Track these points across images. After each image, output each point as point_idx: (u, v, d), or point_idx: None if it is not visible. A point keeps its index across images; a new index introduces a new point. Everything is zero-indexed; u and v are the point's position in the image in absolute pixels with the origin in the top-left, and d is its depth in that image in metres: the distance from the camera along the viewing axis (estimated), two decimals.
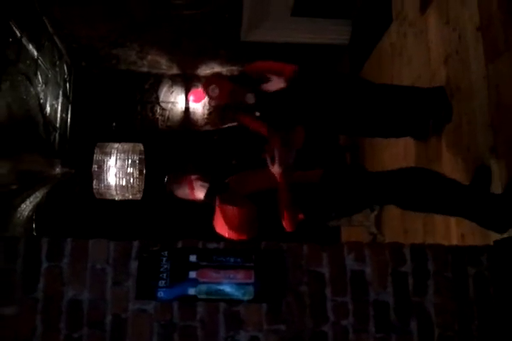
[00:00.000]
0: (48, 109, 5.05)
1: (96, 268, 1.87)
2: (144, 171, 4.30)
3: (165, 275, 1.87)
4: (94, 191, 4.07)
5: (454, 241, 2.91)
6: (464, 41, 3.06)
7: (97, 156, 4.03)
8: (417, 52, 3.71)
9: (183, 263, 1.89)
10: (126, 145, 4.21)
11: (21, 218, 3.83)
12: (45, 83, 5.00)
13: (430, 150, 3.42)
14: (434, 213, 2.67)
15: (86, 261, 1.87)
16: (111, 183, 4.08)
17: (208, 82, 3.42)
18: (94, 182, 4.02)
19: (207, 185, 2.60)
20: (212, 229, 2.47)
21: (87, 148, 4.47)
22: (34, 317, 1.81)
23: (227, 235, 2.41)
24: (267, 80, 3.26)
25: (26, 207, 3.90)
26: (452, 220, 2.99)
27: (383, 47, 4.40)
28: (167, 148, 6.07)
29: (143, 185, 4.30)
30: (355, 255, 1.96)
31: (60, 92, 5.56)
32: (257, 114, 3.28)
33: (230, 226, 2.37)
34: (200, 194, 2.64)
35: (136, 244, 1.92)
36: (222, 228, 2.44)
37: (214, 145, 5.25)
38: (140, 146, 4.28)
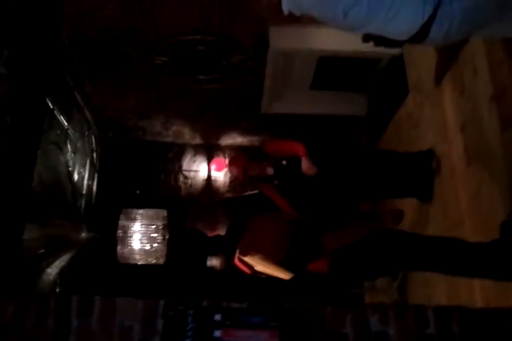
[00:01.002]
0: (76, 176, 5.24)
1: (124, 325, 1.90)
2: (167, 236, 4.38)
3: (190, 333, 1.89)
4: (118, 255, 4.14)
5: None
6: (478, 110, 3.18)
7: (122, 222, 4.13)
8: (434, 122, 3.84)
9: (208, 322, 1.91)
10: (151, 211, 4.32)
11: (47, 282, 3.88)
12: (74, 152, 5.22)
13: (451, 216, 3.46)
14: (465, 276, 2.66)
15: (114, 318, 1.91)
16: (135, 248, 4.15)
17: (228, 164, 4.12)
18: (119, 246, 4.09)
19: (228, 221, 2.71)
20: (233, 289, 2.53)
21: (112, 214, 4.59)
22: None
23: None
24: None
25: (52, 271, 3.96)
26: (477, 287, 2.98)
27: (400, 117, 4.56)
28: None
29: (166, 250, 4.36)
30: (379, 316, 1.97)
31: (88, 161, 5.77)
32: (276, 182, 3.77)
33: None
34: (222, 228, 2.74)
35: (162, 302, 1.95)
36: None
37: (235, 210, 5.38)
38: (164, 212, 4.39)
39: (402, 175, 3.83)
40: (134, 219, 4.19)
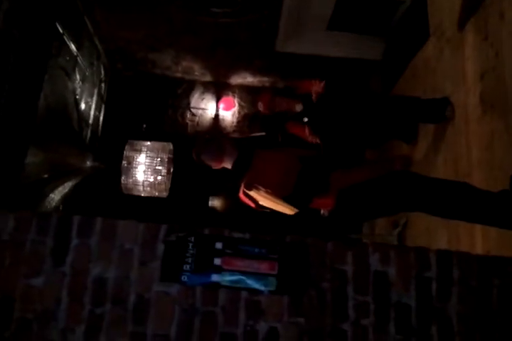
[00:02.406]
0: (83, 105, 5.17)
1: (124, 248, 1.90)
2: (172, 170, 4.36)
3: (190, 260, 1.89)
4: (122, 186, 4.13)
5: None
6: (500, 58, 3.06)
7: (127, 152, 4.10)
8: (453, 69, 3.72)
9: (209, 249, 1.91)
10: (157, 144, 4.28)
11: (49, 207, 3.89)
12: (82, 80, 5.12)
13: (461, 165, 3.41)
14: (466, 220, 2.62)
15: (114, 240, 1.90)
16: (139, 179, 4.15)
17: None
18: (123, 177, 4.08)
19: (235, 153, 2.69)
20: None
21: (117, 145, 4.55)
22: (60, 290, 1.84)
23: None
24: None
25: (54, 197, 3.97)
26: (478, 236, 2.97)
27: (417, 63, 4.42)
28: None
29: (169, 184, 4.36)
30: (380, 256, 1.96)
31: (95, 91, 5.67)
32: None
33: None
34: (228, 161, 2.71)
35: (164, 227, 1.94)
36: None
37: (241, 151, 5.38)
38: (170, 145, 4.35)
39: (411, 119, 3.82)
40: (140, 151, 4.16)
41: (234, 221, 5.81)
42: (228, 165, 2.80)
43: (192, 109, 6.66)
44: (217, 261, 1.89)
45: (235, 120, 6.70)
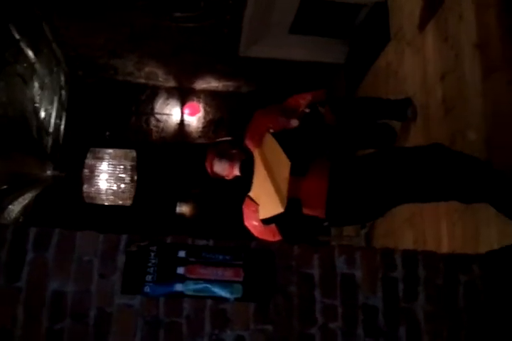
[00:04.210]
0: (43, 113, 5.04)
1: (82, 260, 1.83)
2: (136, 178, 4.28)
3: (152, 270, 1.84)
4: (85, 195, 4.03)
5: None
6: (461, 58, 3.10)
7: (88, 161, 4.00)
8: (414, 71, 3.75)
9: (172, 258, 1.86)
10: (119, 152, 4.19)
11: (8, 219, 3.77)
12: (41, 88, 5.00)
13: None
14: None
15: (73, 253, 1.84)
16: (101, 188, 4.05)
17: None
18: (85, 186, 3.98)
19: (242, 155, 2.69)
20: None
21: (79, 153, 4.45)
22: (16, 307, 1.77)
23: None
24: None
25: (14, 209, 3.85)
26: (444, 235, 2.99)
27: (380, 66, 4.45)
28: (160, 158, 6.07)
29: (134, 192, 4.27)
30: (346, 258, 1.94)
31: (56, 98, 5.55)
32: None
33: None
34: (236, 169, 2.75)
35: (124, 237, 1.88)
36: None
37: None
38: (133, 153, 4.26)
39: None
40: (102, 159, 4.06)
41: (202, 227, 5.75)
42: (238, 171, 2.80)
43: (156, 115, 6.58)
44: (180, 270, 1.84)
45: (200, 125, 6.64)
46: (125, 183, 4.12)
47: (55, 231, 1.86)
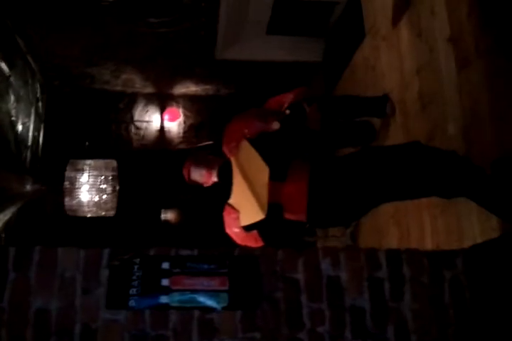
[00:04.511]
0: (20, 127, 4.98)
1: (65, 277, 1.81)
2: (118, 188, 4.24)
3: (136, 283, 1.82)
4: (66, 208, 3.98)
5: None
6: (435, 52, 3.11)
7: (68, 173, 3.96)
8: (390, 66, 3.76)
9: (156, 270, 1.84)
10: (99, 162, 4.15)
11: None
12: (17, 101, 4.94)
13: None
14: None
15: (55, 269, 1.81)
16: (83, 200, 4.01)
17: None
18: (66, 199, 3.94)
19: (219, 160, 2.69)
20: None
21: (59, 165, 4.40)
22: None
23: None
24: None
25: None
26: (427, 231, 3.00)
27: (357, 62, 4.46)
28: (142, 166, 6.02)
29: (116, 202, 4.23)
30: (331, 260, 1.94)
31: (33, 110, 5.49)
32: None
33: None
34: (214, 175, 2.73)
35: (106, 251, 1.86)
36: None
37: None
38: (113, 163, 4.22)
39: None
40: (82, 170, 4.02)
41: (187, 235, 5.72)
42: (215, 178, 2.77)
43: (136, 123, 6.54)
44: (165, 282, 1.83)
45: (181, 131, 6.62)
46: (107, 194, 4.08)
47: (35, 249, 1.83)
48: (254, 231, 2.55)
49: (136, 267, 1.83)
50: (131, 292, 1.80)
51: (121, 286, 1.81)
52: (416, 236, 3.12)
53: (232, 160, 2.67)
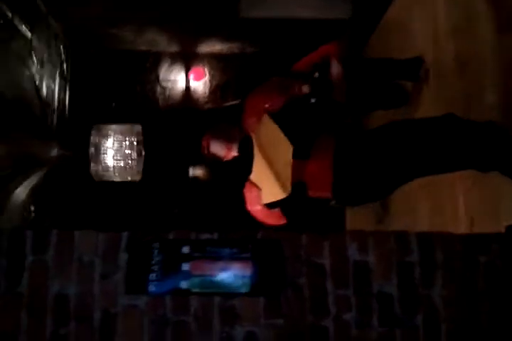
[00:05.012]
0: (45, 90, 4.92)
1: (83, 261, 1.77)
2: (143, 152, 4.20)
3: (156, 268, 1.77)
4: (92, 173, 3.97)
5: (463, 225, 2.79)
6: (473, 13, 2.89)
7: (94, 138, 3.92)
8: (424, 26, 3.54)
9: (176, 255, 1.79)
10: (124, 127, 4.10)
11: (17, 203, 3.74)
12: (41, 64, 4.86)
13: None
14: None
15: (72, 254, 1.77)
16: (109, 165, 3.98)
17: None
18: (92, 164, 3.92)
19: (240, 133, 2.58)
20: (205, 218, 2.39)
21: (85, 130, 4.36)
22: (19, 313, 1.72)
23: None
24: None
25: (22, 192, 3.81)
26: (461, 202, 2.88)
27: (388, 21, 4.22)
28: (168, 127, 5.96)
29: (142, 166, 4.20)
30: (359, 244, 1.85)
31: (57, 73, 5.41)
32: (312, 100, 3.17)
33: None
34: (235, 150, 2.63)
35: (125, 235, 1.81)
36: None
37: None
38: (138, 127, 4.17)
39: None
40: (107, 135, 3.98)
41: (216, 196, 5.68)
42: (236, 152, 2.67)
43: (161, 83, 6.43)
44: (185, 267, 1.77)
45: (207, 90, 6.48)
46: (132, 159, 4.05)
47: (52, 232, 1.79)
48: (277, 209, 2.48)
49: (155, 251, 1.78)
50: (150, 277, 1.76)
51: (141, 271, 1.76)
52: (448, 204, 3.00)
53: (253, 136, 2.56)
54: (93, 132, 3.95)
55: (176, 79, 6.37)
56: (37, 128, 4.35)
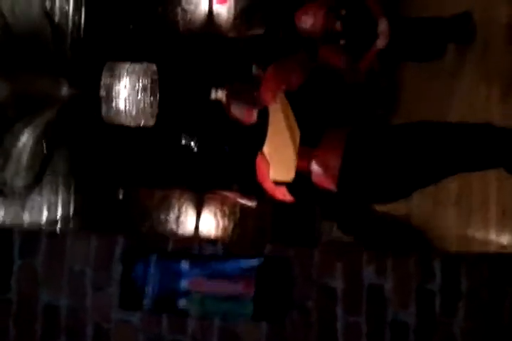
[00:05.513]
0: (58, 15, 4.57)
1: (74, 271, 1.64)
2: (158, 94, 3.95)
3: (152, 282, 1.63)
4: (104, 116, 3.76)
5: (493, 218, 2.58)
6: None
7: (105, 79, 3.65)
8: None
9: (174, 269, 1.64)
10: (138, 66, 3.80)
11: (28, 143, 3.57)
12: None
13: (476, 107, 2.97)
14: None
15: (63, 262, 1.63)
16: (121, 109, 3.75)
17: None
18: (103, 107, 3.69)
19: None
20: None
21: (101, 61, 4.08)
22: (7, 320, 1.63)
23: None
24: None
25: (30, 133, 3.63)
26: (492, 191, 2.65)
27: None
28: (188, 58, 5.62)
29: (157, 110, 3.97)
30: (376, 266, 1.68)
31: None
32: (342, 42, 3.08)
33: None
34: (254, 115, 2.47)
35: (120, 241, 1.65)
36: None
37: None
38: (153, 66, 3.87)
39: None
40: (119, 76, 3.70)
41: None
42: (255, 118, 2.49)
43: (183, 4, 5.98)
44: (184, 284, 1.63)
45: (231, 15, 6.03)
46: (145, 103, 3.81)
47: (42, 236, 1.64)
48: (283, 187, 2.34)
49: (152, 265, 1.63)
50: (146, 292, 1.62)
51: (136, 285, 1.62)
52: (479, 194, 2.77)
53: (269, 109, 2.36)
54: (104, 73, 3.67)
55: (199, 2, 5.93)
56: (47, 62, 4.07)
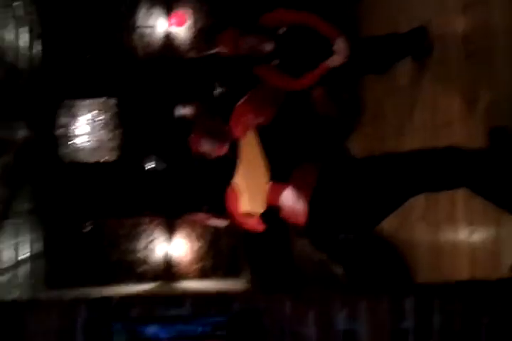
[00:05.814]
0: (11, 51, 4.48)
1: None
2: (120, 126, 3.90)
3: None
4: (61, 155, 3.69)
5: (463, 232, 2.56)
6: None
7: (62, 119, 3.60)
8: None
9: (141, 335, 1.57)
10: (96, 103, 3.75)
11: None
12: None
13: (438, 117, 2.97)
14: None
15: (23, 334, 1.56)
16: (81, 146, 3.70)
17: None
18: (61, 147, 3.62)
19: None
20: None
21: (60, 92, 3.98)
22: None
23: None
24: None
25: None
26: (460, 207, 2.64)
27: None
28: (148, 81, 5.54)
29: (120, 142, 3.92)
30: (348, 311, 1.64)
31: (27, 27, 4.93)
32: (276, 62, 2.98)
33: None
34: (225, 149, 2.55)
35: (82, 310, 1.58)
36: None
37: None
38: (112, 101, 3.83)
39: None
40: (77, 114, 3.65)
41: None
42: (225, 151, 2.49)
43: (139, 29, 5.91)
44: None
45: (189, 36, 5.99)
46: (108, 137, 3.76)
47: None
48: (255, 217, 2.32)
49: (117, 333, 1.57)
50: None
51: None
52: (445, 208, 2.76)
53: (240, 143, 2.35)
54: (61, 112, 3.61)
55: (156, 25, 5.87)
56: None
